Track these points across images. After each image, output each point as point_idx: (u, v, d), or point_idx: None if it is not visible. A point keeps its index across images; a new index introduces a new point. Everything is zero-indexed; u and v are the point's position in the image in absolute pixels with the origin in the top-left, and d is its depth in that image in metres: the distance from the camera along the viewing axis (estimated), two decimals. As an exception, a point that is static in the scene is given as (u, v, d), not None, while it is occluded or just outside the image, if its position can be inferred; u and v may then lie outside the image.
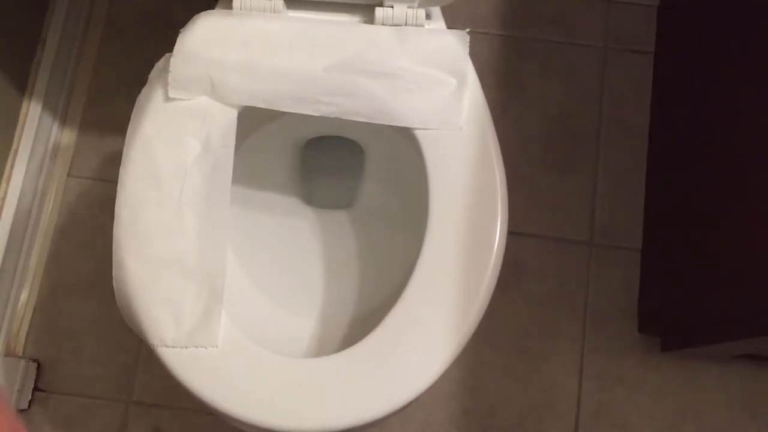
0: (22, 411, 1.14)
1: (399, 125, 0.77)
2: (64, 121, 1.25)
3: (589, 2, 1.31)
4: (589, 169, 1.25)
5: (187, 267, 0.73)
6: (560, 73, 1.28)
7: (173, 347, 0.72)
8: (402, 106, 0.77)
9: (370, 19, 0.83)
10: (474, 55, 0.81)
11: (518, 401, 1.16)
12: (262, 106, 0.77)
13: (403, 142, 0.80)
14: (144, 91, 0.80)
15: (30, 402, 1.14)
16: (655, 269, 1.17)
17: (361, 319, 0.87)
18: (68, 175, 1.24)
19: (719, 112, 1.03)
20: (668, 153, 1.19)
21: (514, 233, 1.20)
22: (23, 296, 1.18)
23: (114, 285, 0.75)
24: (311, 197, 1.00)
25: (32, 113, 1.18)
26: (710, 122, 1.05)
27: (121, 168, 0.76)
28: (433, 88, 0.78)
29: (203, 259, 0.74)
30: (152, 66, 0.80)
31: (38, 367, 1.16)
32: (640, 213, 1.22)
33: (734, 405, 1.16)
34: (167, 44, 0.79)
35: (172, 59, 0.77)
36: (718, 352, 1.11)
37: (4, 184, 1.14)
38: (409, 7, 0.81)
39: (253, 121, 0.83)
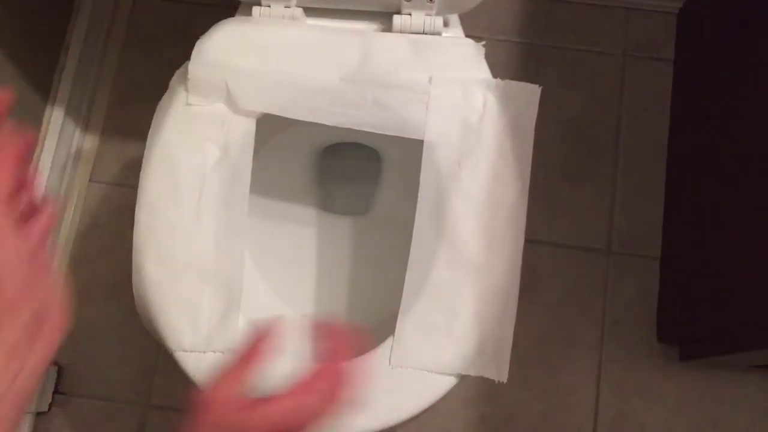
0: (42, 414, 1.15)
1: (411, 137, 0.77)
2: (86, 126, 1.27)
3: (608, 10, 1.31)
4: (607, 177, 1.24)
5: (205, 272, 0.74)
6: (579, 80, 1.28)
7: (191, 352, 0.73)
8: (415, 118, 0.77)
9: (388, 27, 0.83)
10: (492, 62, 0.81)
11: (535, 409, 1.16)
12: (276, 113, 0.78)
13: (421, 150, 0.80)
14: (165, 97, 0.81)
15: (50, 405, 1.16)
16: (674, 278, 1.16)
17: (377, 326, 0.88)
18: (90, 180, 1.26)
19: (739, 121, 1.02)
20: (688, 161, 1.18)
21: (531, 241, 1.20)
22: (44, 300, 1.19)
23: (133, 289, 0.76)
24: (328, 203, 1.00)
25: (55, 119, 1.20)
26: (730, 131, 1.04)
27: (141, 173, 0.77)
28: None
29: (221, 265, 0.74)
30: (173, 72, 0.81)
31: (58, 371, 1.17)
32: (658, 221, 1.22)
33: (754, 415, 1.14)
34: (188, 51, 0.80)
35: (189, 65, 0.78)
36: (737, 362, 1.10)
37: (26, 188, 1.15)
38: (426, 15, 0.82)
39: (271, 127, 0.84)
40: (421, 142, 0.77)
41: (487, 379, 0.73)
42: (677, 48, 1.29)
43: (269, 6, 0.82)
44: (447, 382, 0.73)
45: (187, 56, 0.80)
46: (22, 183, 0.43)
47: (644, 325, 1.18)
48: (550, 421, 1.16)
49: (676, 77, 1.27)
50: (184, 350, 0.73)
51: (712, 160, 1.09)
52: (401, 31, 0.82)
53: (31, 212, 0.44)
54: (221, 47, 0.79)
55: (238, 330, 0.73)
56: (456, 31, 0.85)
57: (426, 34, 0.82)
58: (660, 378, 1.16)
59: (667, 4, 1.29)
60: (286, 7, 0.82)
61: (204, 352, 0.73)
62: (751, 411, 1.14)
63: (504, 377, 0.72)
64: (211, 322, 0.73)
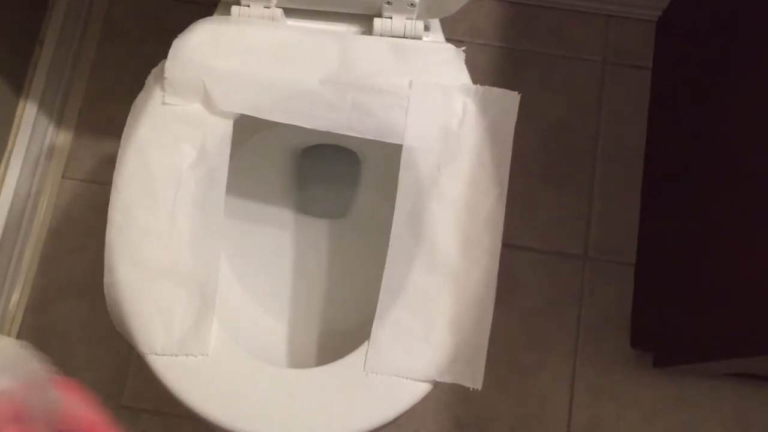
0: (10, 413, 1.13)
1: (390, 142, 0.77)
2: (59, 122, 1.25)
3: (589, 16, 1.31)
4: (584, 184, 1.25)
5: (179, 274, 0.73)
6: (558, 86, 1.29)
7: (163, 355, 0.72)
8: (394, 123, 0.76)
9: (368, 30, 0.83)
10: (472, 66, 0.81)
11: (509, 414, 1.16)
12: (254, 115, 0.77)
13: (400, 154, 0.80)
14: (140, 96, 0.79)
15: (18, 404, 1.14)
16: (648, 285, 1.16)
17: (354, 329, 0.87)
18: (63, 177, 1.24)
19: (716, 129, 1.03)
20: (664, 169, 1.19)
21: (508, 246, 1.20)
22: (14, 297, 1.17)
23: (105, 290, 0.74)
24: (306, 206, 0.99)
25: (28, 114, 1.18)
26: (707, 139, 1.05)
27: (115, 172, 0.76)
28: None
29: (196, 267, 0.74)
30: (150, 69, 0.80)
31: (27, 370, 1.15)
32: (634, 228, 1.22)
33: (726, 423, 1.15)
34: (166, 48, 0.79)
35: (166, 64, 0.77)
36: (710, 370, 1.11)
37: (-2, 184, 1.13)
38: (407, 19, 0.81)
39: (249, 128, 0.83)
40: (401, 145, 0.77)
41: (462, 382, 0.73)
42: (656, 56, 1.29)
43: (248, 6, 0.81)
44: (421, 389, 0.72)
45: (164, 54, 0.79)
46: None
47: (619, 331, 1.19)
48: (524, 425, 1.16)
49: (654, 85, 1.28)
50: (156, 353, 0.72)
51: (688, 168, 1.10)
52: (382, 35, 0.81)
53: None
54: (199, 47, 0.78)
55: (211, 334, 0.72)
56: (437, 35, 0.85)
57: (407, 38, 0.81)
58: (633, 384, 1.17)
59: (646, 12, 1.30)
60: (265, 7, 0.81)
61: (176, 355, 0.72)
62: (724, 418, 1.15)
63: (479, 384, 0.72)
64: (183, 326, 0.72)
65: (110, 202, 0.75)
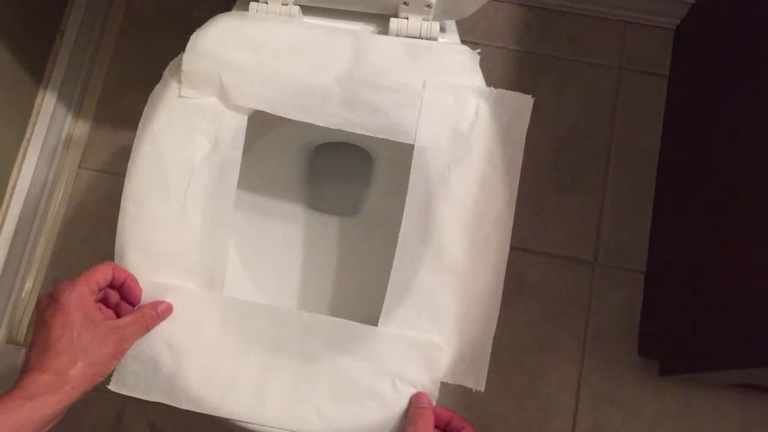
0: (19, 398, 1.14)
1: (402, 141, 0.77)
2: (78, 112, 1.26)
3: (606, 22, 1.31)
4: (597, 189, 1.24)
5: (187, 264, 0.74)
6: (574, 91, 1.28)
7: (170, 344, 0.72)
8: (406, 123, 0.77)
9: (384, 29, 0.83)
10: (488, 68, 0.81)
11: (514, 418, 1.16)
12: (267, 111, 0.77)
13: (411, 153, 0.80)
14: (157, 87, 0.80)
15: (28, 390, 1.15)
16: (657, 293, 1.16)
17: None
18: (79, 167, 1.25)
19: (730, 140, 1.02)
20: (677, 177, 1.19)
21: (519, 249, 1.21)
22: (27, 284, 1.19)
23: (115, 279, 0.75)
24: (317, 202, 1.00)
25: (47, 103, 1.19)
26: (720, 149, 1.05)
27: (129, 162, 0.77)
28: None
29: (204, 258, 0.74)
30: (168, 62, 0.81)
31: (38, 356, 1.16)
32: (646, 236, 1.22)
33: (730, 434, 1.15)
34: (184, 42, 0.80)
35: (184, 57, 0.78)
36: (716, 380, 1.10)
37: (15, 172, 1.15)
38: (423, 20, 0.82)
39: (263, 124, 0.84)
40: (412, 145, 0.77)
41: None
42: (672, 63, 1.29)
43: (266, 2, 0.82)
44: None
45: (183, 47, 0.79)
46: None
47: (626, 338, 1.19)
48: (527, 429, 1.16)
49: (669, 93, 1.28)
50: (164, 343, 0.73)
51: (701, 177, 1.09)
52: (397, 35, 0.82)
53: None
54: (216, 41, 0.79)
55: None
56: (452, 37, 0.85)
57: (422, 38, 0.82)
58: (639, 391, 1.17)
59: (664, 20, 1.30)
60: (283, 4, 0.82)
61: (183, 345, 0.72)
62: (728, 429, 1.15)
63: (482, 386, 0.72)
64: (191, 317, 0.73)
65: (123, 191, 0.76)
